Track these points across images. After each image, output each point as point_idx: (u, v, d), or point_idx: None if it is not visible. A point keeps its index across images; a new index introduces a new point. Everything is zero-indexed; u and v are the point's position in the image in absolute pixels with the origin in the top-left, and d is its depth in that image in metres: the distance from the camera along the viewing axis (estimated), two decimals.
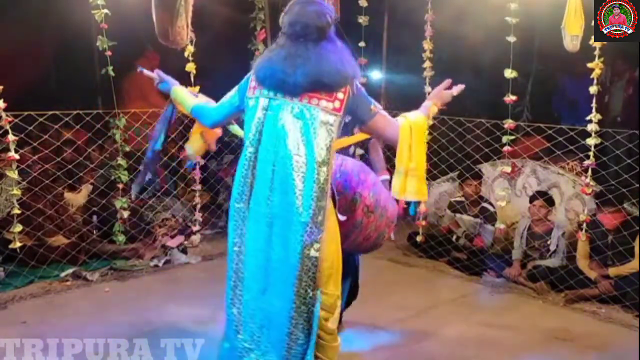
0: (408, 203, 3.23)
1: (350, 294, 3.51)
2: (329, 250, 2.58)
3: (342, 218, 2.81)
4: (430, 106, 2.74)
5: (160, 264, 4.94)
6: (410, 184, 2.62)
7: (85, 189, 5.28)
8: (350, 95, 2.51)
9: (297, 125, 2.48)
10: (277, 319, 2.53)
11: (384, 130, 2.61)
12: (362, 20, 5.33)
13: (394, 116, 2.67)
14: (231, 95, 2.76)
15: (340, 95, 2.49)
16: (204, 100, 2.95)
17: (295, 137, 2.48)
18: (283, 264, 2.49)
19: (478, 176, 5.34)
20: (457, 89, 2.82)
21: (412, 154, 2.60)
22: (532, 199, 4.86)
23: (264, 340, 2.56)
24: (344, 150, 3.37)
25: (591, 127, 4.23)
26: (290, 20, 2.54)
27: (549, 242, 4.72)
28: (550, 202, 4.81)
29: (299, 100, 2.49)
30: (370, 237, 3.10)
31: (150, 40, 5.67)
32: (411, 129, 2.59)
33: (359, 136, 3.01)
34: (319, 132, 2.47)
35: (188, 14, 3.89)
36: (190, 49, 4.59)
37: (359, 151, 3.50)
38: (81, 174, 5.08)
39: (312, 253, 2.47)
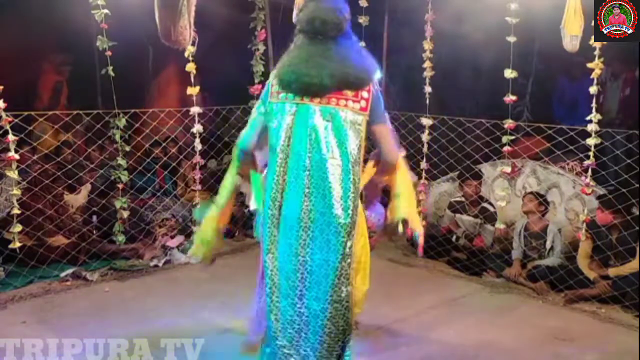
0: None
1: None
2: (358, 246, 2.61)
3: (368, 213, 2.83)
4: None
5: (160, 264, 4.93)
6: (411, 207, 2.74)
7: (85, 190, 5.28)
8: (374, 93, 2.52)
9: (328, 127, 2.48)
10: (315, 321, 2.53)
11: (385, 141, 2.61)
12: (362, 20, 5.32)
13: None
14: (257, 109, 2.70)
15: (365, 94, 2.50)
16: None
17: (328, 140, 2.48)
18: (322, 267, 2.50)
19: (478, 176, 5.34)
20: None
21: (408, 182, 2.76)
22: (523, 198, 4.94)
23: (302, 344, 2.55)
24: None
25: (591, 127, 4.23)
26: (307, 17, 2.52)
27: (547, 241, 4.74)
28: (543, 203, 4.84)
29: (327, 102, 2.49)
30: None
31: (151, 41, 5.68)
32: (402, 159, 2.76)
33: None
34: (349, 133, 2.48)
35: (190, 14, 3.89)
36: (190, 49, 4.59)
37: None
38: (80, 174, 5.07)
39: (348, 252, 2.49)
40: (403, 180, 2.73)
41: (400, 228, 2.68)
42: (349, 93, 2.48)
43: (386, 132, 2.61)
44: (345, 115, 2.47)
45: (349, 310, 2.56)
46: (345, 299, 2.53)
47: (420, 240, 2.76)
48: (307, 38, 2.53)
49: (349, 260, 2.50)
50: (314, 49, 2.50)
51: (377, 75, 2.57)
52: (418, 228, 2.73)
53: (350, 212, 2.47)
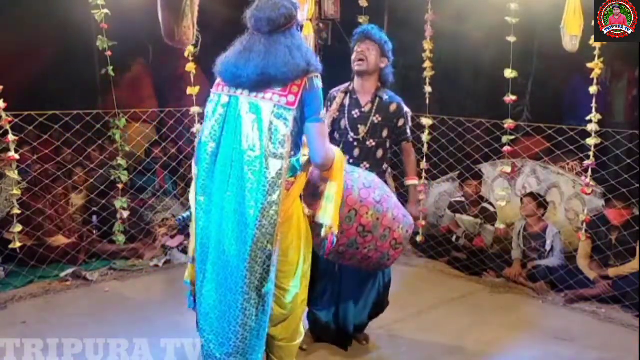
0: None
1: (375, 307, 3.51)
2: (287, 245, 2.62)
3: (307, 212, 2.75)
4: None
5: (160, 264, 4.93)
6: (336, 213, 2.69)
7: (84, 190, 5.27)
8: (308, 89, 2.50)
9: (252, 120, 2.51)
10: (233, 310, 2.56)
11: (312, 140, 2.55)
12: (362, 20, 5.32)
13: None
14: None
15: (295, 88, 2.49)
16: None
17: (250, 133, 2.50)
18: (237, 257, 2.52)
19: (478, 176, 5.34)
20: None
21: (339, 186, 2.70)
22: (522, 199, 4.93)
23: (221, 332, 2.58)
24: (370, 153, 3.34)
25: (591, 127, 4.23)
26: (249, 14, 2.58)
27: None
28: (542, 204, 4.84)
29: (255, 96, 2.52)
30: (370, 258, 2.98)
31: (151, 40, 5.66)
32: (342, 162, 2.73)
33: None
34: (273, 127, 2.48)
35: (194, 14, 3.89)
36: (190, 49, 4.59)
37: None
38: (81, 174, 5.07)
39: (266, 246, 2.48)
40: (337, 183, 2.69)
41: (323, 232, 2.65)
42: (277, 87, 2.49)
43: (315, 132, 2.53)
44: (269, 108, 2.48)
45: (268, 305, 2.56)
46: (265, 293, 2.53)
47: (329, 243, 2.71)
48: (248, 33, 2.60)
49: (263, 256, 2.48)
50: (248, 43, 2.55)
51: (314, 72, 2.52)
52: (335, 231, 2.70)
53: (261, 205, 2.45)
